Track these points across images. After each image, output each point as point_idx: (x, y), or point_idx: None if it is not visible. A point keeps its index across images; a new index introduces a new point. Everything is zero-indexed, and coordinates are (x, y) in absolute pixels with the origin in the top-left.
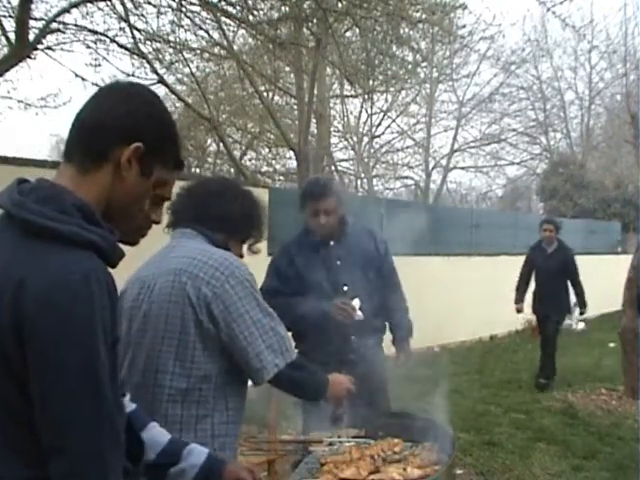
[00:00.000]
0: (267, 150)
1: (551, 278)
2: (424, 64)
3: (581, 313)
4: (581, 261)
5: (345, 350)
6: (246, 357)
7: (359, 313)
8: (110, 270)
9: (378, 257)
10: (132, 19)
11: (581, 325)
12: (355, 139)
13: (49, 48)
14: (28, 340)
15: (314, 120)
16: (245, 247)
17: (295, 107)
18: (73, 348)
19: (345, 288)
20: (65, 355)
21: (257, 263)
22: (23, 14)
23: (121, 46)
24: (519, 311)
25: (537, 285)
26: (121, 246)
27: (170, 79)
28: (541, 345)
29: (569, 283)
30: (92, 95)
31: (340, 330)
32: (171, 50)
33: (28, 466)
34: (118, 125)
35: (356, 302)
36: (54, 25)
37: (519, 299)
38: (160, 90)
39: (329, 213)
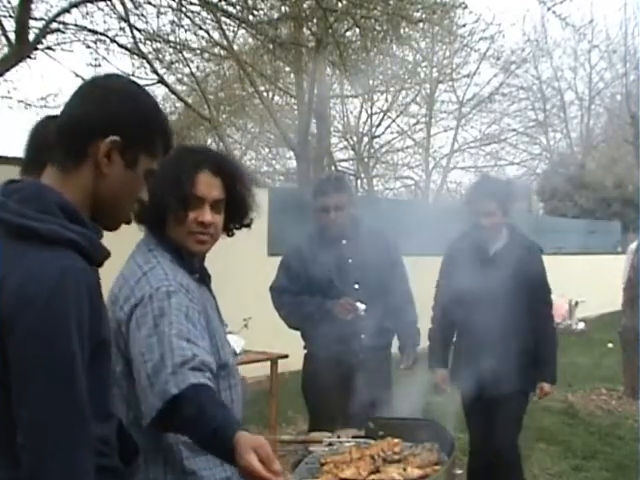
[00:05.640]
0: (267, 150)
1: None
2: (424, 64)
3: (545, 393)
4: (581, 261)
5: (355, 349)
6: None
7: (362, 314)
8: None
9: (390, 260)
10: (132, 19)
11: (581, 325)
12: (355, 139)
13: (49, 48)
14: (7, 337)
15: (314, 120)
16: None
17: (295, 107)
18: (45, 344)
19: (356, 286)
20: (37, 351)
21: (258, 264)
22: (23, 14)
23: (121, 46)
24: (443, 388)
25: (466, 328)
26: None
27: (170, 79)
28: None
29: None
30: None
31: (349, 329)
32: (171, 50)
33: (15, 466)
34: (90, 120)
35: (360, 305)
36: (54, 25)
37: (439, 360)
38: (160, 90)
39: (339, 209)
